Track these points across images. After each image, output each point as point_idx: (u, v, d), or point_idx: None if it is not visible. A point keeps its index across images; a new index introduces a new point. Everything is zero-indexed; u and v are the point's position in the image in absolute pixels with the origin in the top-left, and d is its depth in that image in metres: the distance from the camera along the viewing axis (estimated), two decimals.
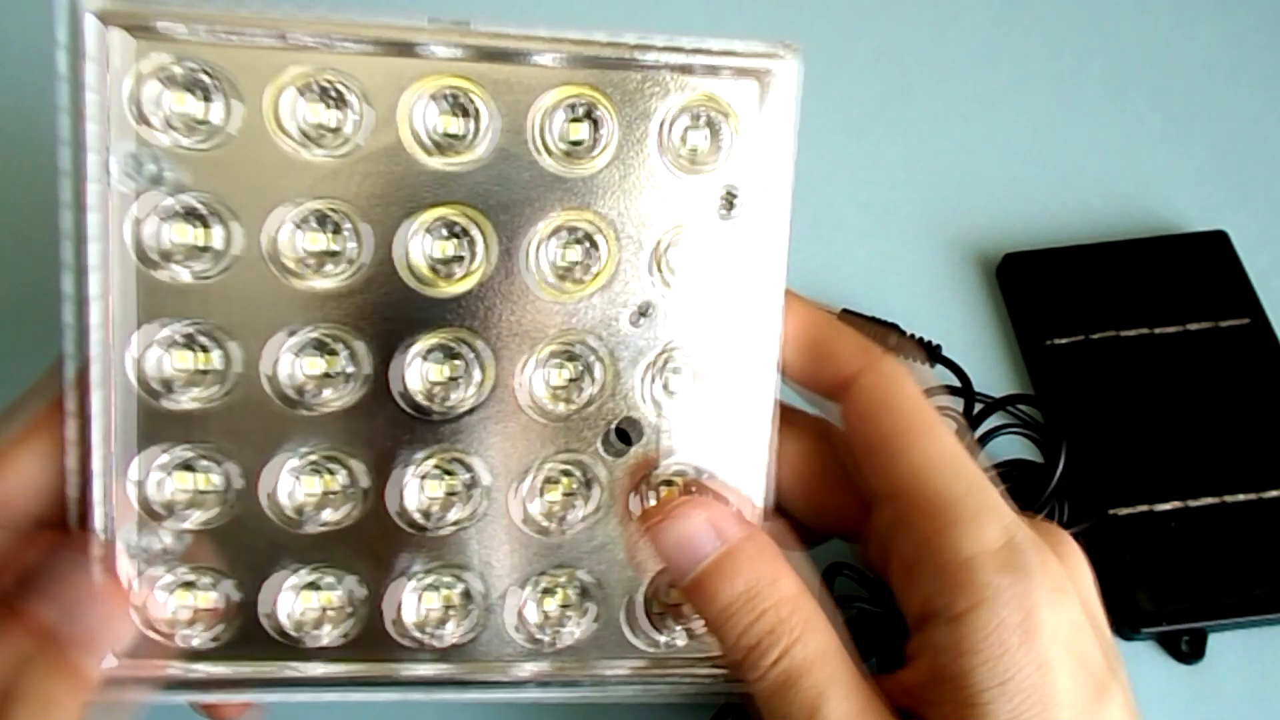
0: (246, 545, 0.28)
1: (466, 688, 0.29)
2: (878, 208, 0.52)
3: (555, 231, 0.28)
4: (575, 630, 0.30)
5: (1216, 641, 0.41)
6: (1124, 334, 0.46)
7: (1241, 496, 0.42)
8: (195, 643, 0.28)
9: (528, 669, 0.29)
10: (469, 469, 0.29)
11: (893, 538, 0.30)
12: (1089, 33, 0.57)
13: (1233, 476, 0.43)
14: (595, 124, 0.27)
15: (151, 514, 0.27)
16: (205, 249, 0.26)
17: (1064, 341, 0.46)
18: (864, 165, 0.53)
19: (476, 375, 0.28)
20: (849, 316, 0.47)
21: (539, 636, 0.29)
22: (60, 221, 0.26)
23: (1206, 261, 0.48)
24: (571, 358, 0.29)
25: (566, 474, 0.29)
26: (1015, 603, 0.26)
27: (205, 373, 0.27)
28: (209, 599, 0.28)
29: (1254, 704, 0.40)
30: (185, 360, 0.27)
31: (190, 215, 0.26)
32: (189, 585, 0.28)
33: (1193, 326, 0.46)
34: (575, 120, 0.27)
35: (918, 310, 0.48)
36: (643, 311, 0.29)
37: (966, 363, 0.45)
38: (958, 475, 0.28)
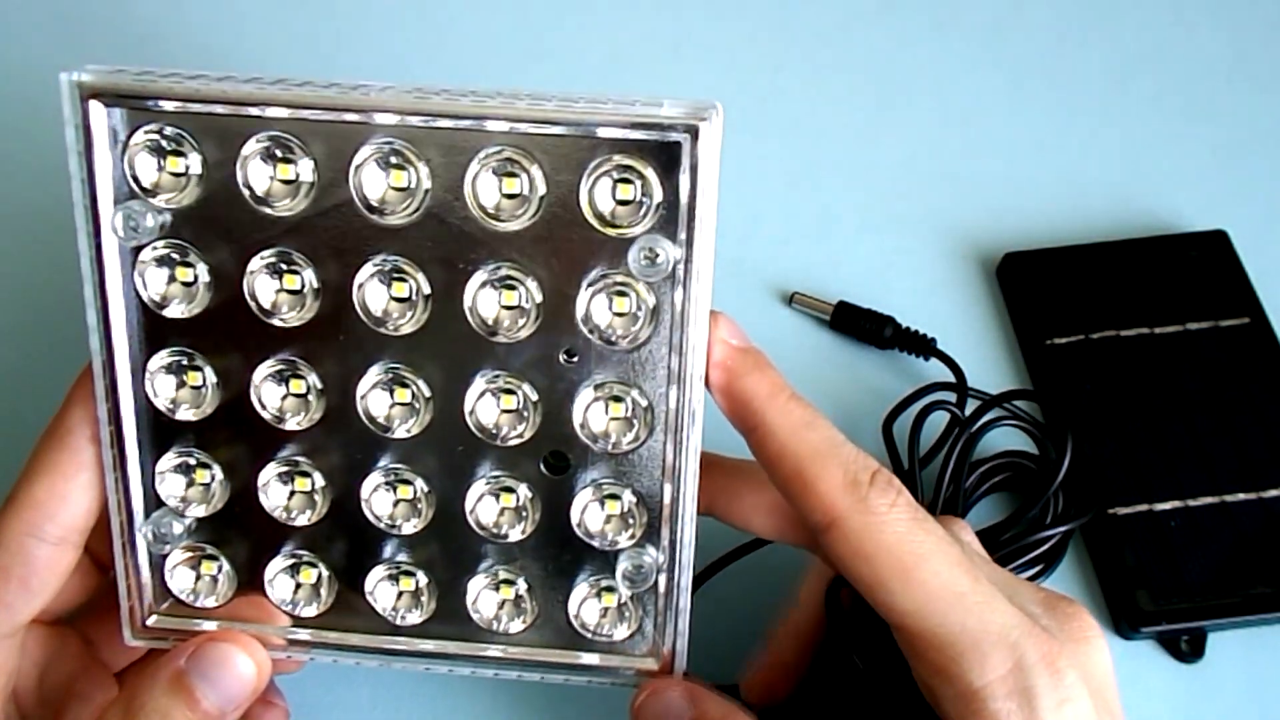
0: (242, 534, 0.33)
1: (434, 659, 0.34)
2: (879, 207, 0.52)
3: (486, 283, 0.30)
4: (523, 620, 0.34)
5: (1216, 641, 0.41)
6: (1124, 334, 0.46)
7: (1241, 496, 0.42)
8: (200, 601, 0.34)
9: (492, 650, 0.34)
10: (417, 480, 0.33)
11: (908, 659, 0.30)
12: (1089, 33, 0.57)
13: (1233, 476, 0.43)
14: (523, 182, 0.29)
15: (170, 506, 0.33)
16: (192, 284, 0.31)
17: (1064, 341, 0.46)
18: (865, 165, 0.53)
19: (421, 401, 0.32)
20: (846, 308, 0.48)
21: (494, 624, 0.34)
22: (81, 269, 0.30)
23: (1206, 261, 0.48)
24: (511, 390, 0.32)
25: (509, 490, 0.33)
26: None
27: (199, 388, 0.32)
28: (212, 567, 0.34)
29: (1254, 704, 0.40)
30: (192, 378, 0.32)
31: (180, 259, 0.30)
32: (200, 560, 0.33)
33: (1193, 326, 0.46)
34: (509, 175, 0.29)
35: (919, 309, 0.48)
36: (570, 353, 0.31)
37: (967, 361, 0.45)
38: (954, 606, 0.29)
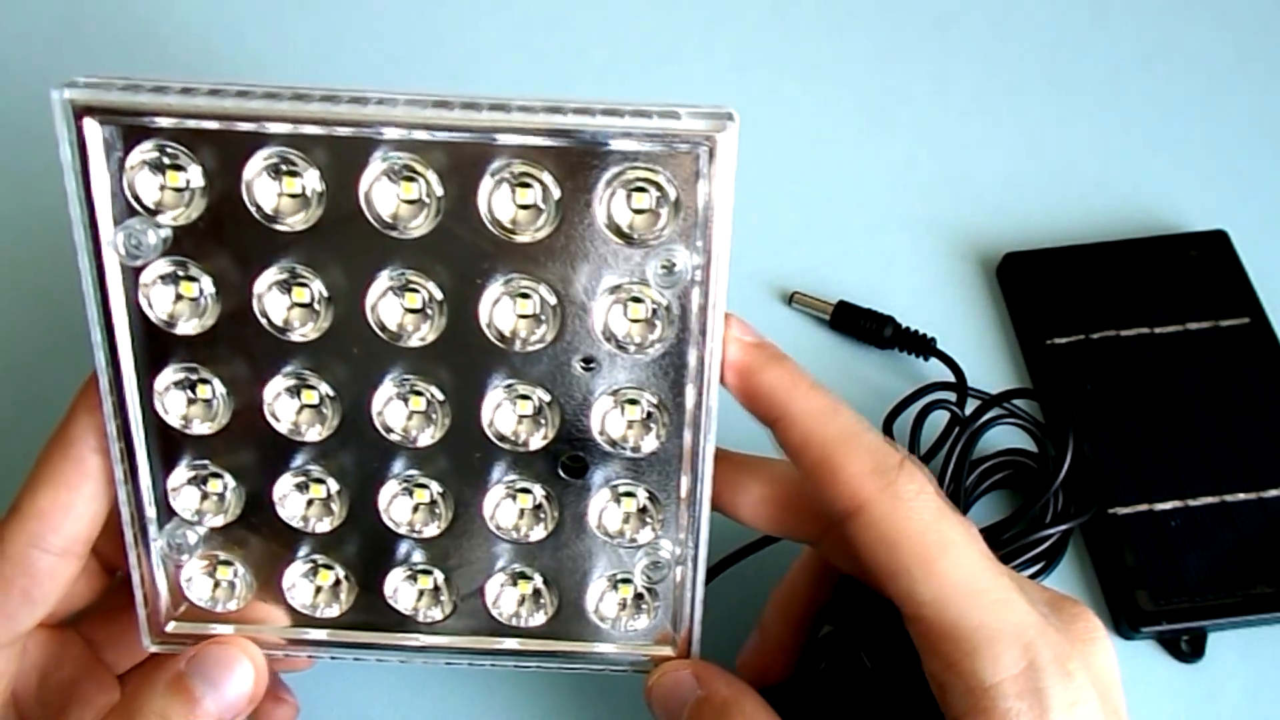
0: (258, 539, 0.33)
1: (455, 654, 0.35)
2: (879, 207, 0.52)
3: (502, 294, 0.30)
4: (544, 614, 0.34)
5: (1216, 641, 0.41)
6: (1124, 334, 0.46)
7: (1241, 496, 0.42)
8: (220, 608, 0.34)
9: (509, 644, 0.35)
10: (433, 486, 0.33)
11: (920, 650, 0.30)
12: (1089, 32, 0.57)
13: (1233, 476, 0.43)
14: (537, 194, 0.29)
15: (183, 517, 0.32)
16: (198, 299, 0.30)
17: (1064, 341, 0.46)
18: (866, 165, 0.53)
19: (438, 410, 0.32)
20: (845, 307, 0.48)
21: (514, 619, 0.34)
22: (82, 288, 0.29)
23: (1206, 261, 0.48)
24: (528, 396, 0.32)
25: (526, 492, 0.33)
26: None
27: (209, 402, 0.31)
28: (228, 573, 0.34)
29: (1253, 703, 0.40)
30: (202, 392, 0.31)
31: (184, 274, 0.30)
32: (216, 567, 0.33)
33: (1193, 326, 0.46)
34: (523, 187, 0.28)
35: (919, 309, 0.48)
36: (587, 360, 0.31)
37: (967, 361, 0.45)
38: (973, 600, 0.29)
